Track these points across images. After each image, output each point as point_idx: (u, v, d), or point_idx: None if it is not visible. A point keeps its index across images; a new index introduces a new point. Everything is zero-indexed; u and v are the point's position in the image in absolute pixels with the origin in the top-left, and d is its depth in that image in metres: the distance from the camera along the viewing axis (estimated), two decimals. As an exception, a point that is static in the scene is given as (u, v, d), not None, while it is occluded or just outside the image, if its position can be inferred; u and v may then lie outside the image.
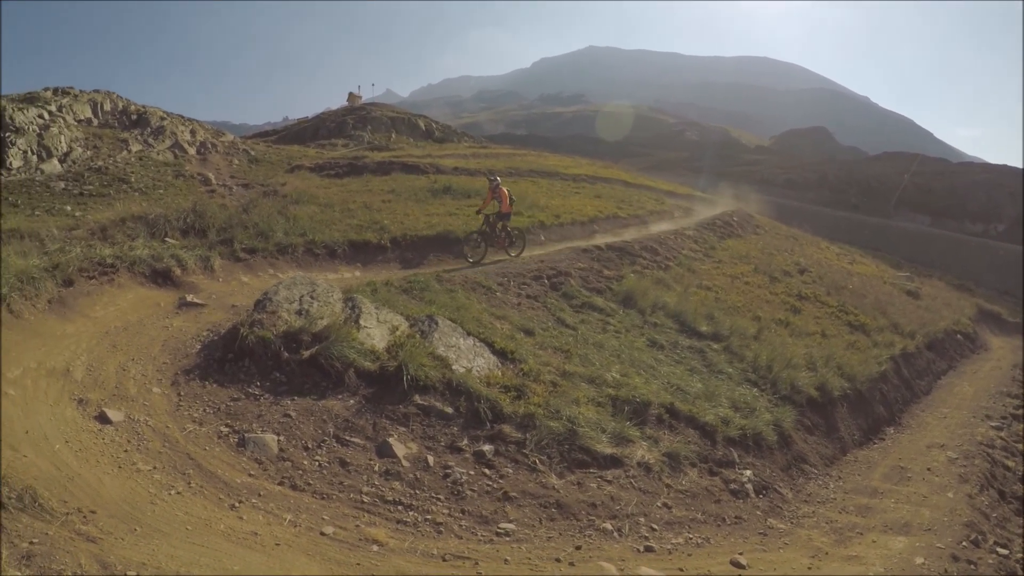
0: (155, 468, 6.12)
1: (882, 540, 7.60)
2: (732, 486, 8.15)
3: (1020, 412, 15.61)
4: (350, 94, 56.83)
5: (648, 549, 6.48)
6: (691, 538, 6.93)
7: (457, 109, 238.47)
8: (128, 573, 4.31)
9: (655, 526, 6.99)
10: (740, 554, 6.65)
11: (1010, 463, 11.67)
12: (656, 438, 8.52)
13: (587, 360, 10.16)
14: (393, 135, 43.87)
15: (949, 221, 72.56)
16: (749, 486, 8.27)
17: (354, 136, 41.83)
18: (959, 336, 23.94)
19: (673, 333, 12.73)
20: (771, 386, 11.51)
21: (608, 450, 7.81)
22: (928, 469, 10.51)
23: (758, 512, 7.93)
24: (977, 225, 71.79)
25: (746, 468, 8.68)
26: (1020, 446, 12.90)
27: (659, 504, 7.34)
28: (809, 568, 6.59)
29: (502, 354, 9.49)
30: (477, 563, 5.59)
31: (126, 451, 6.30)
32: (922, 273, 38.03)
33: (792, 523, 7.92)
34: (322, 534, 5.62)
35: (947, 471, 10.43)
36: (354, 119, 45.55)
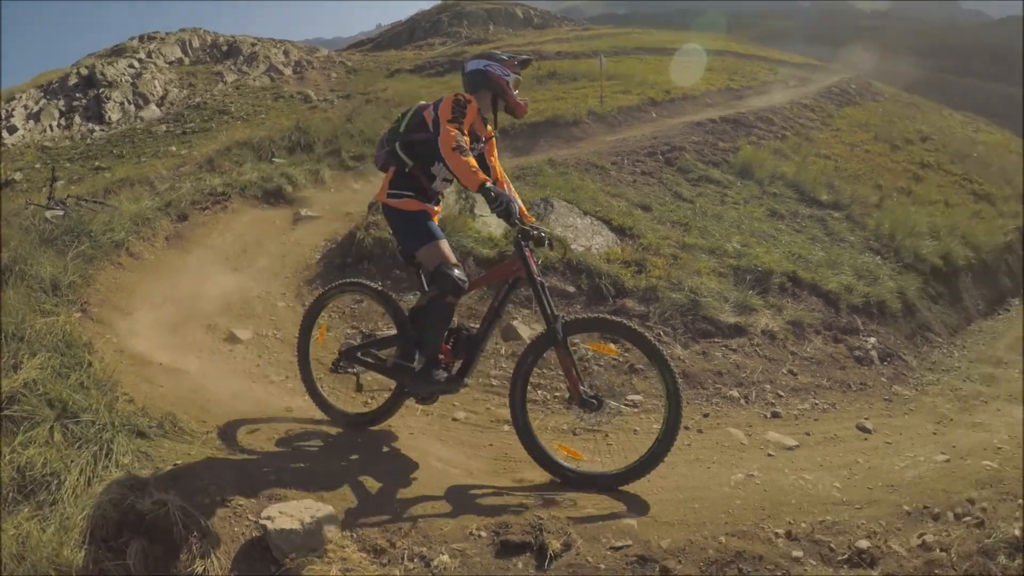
0: (287, 377, 6.35)
1: (1007, 409, 7.38)
2: (856, 353, 8.04)
3: None
4: (442, -10, 55.34)
5: (775, 415, 6.50)
6: (817, 404, 6.93)
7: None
8: (270, 476, 4.48)
9: (781, 392, 6.99)
10: (866, 419, 6.62)
11: None
12: (779, 306, 8.42)
13: (706, 232, 10.04)
14: (491, 27, 42.92)
15: None
16: (874, 353, 8.15)
17: (451, 33, 41.19)
18: (1091, 209, 22.46)
19: (792, 203, 12.37)
20: (894, 255, 11.17)
21: (732, 319, 7.78)
22: (1055, 340, 10.10)
23: (883, 379, 7.84)
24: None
25: (870, 335, 8.53)
26: None
27: (784, 371, 7.33)
28: (934, 433, 6.50)
29: (620, 231, 9.44)
30: (608, 435, 5.57)
31: (258, 365, 6.57)
32: (1052, 142, 35.40)
33: (917, 390, 7.79)
34: (454, 420, 5.78)
35: (1076, 343, 9.99)
36: (449, 16, 44.69)
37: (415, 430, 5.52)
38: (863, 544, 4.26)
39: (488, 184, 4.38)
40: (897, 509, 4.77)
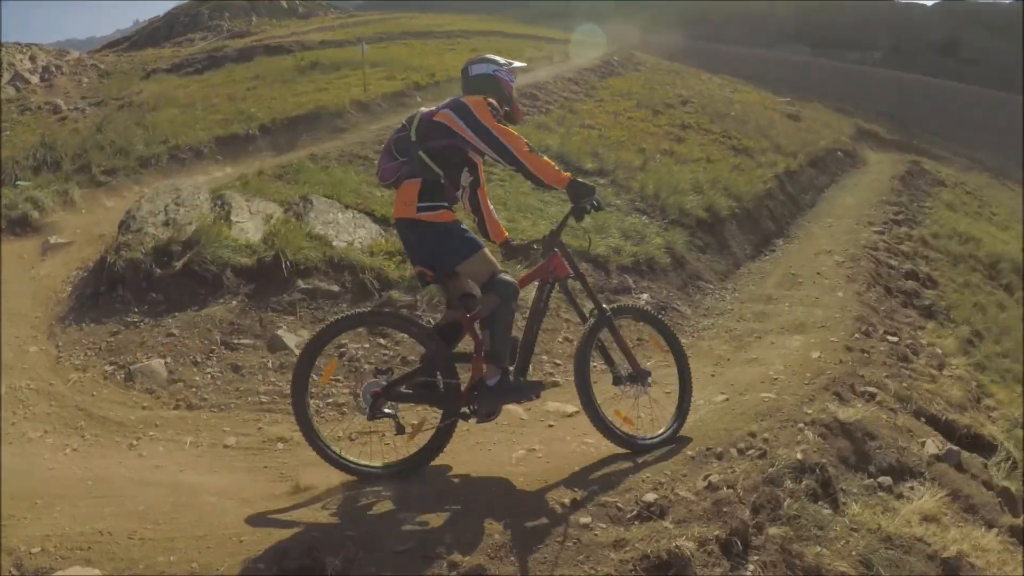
0: (46, 432, 5.80)
1: (780, 341, 7.87)
2: (631, 310, 8.26)
3: (900, 217, 16.58)
4: (202, -18, 53.10)
5: (554, 384, 6.51)
6: (596, 365, 6.97)
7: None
8: (32, 550, 4.02)
9: (558, 361, 7.11)
10: (647, 372, 6.77)
11: (893, 262, 12.31)
12: None
13: (472, 212, 10.02)
14: (254, 18, 41.62)
15: (828, 51, 75.71)
16: (648, 308, 8.35)
17: (212, 27, 39.57)
18: (839, 153, 24.83)
19: (559, 174, 12.62)
20: (660, 212, 11.64)
21: None
22: (818, 273, 10.96)
23: (652, 331, 8.12)
24: (855, 54, 75.17)
25: (643, 292, 8.83)
26: (901, 246, 13.57)
27: (560, 339, 7.45)
28: (713, 375, 6.82)
29: (384, 221, 9.29)
30: (384, 435, 5.46)
31: (13, 424, 5.93)
32: (803, 98, 38.86)
33: (694, 337, 8.16)
34: (225, 447, 5.49)
35: (835, 273, 10.88)
36: (209, 9, 42.88)
37: (184, 466, 5.18)
38: (650, 497, 4.28)
39: (577, 178, 4.56)
40: (681, 456, 4.85)
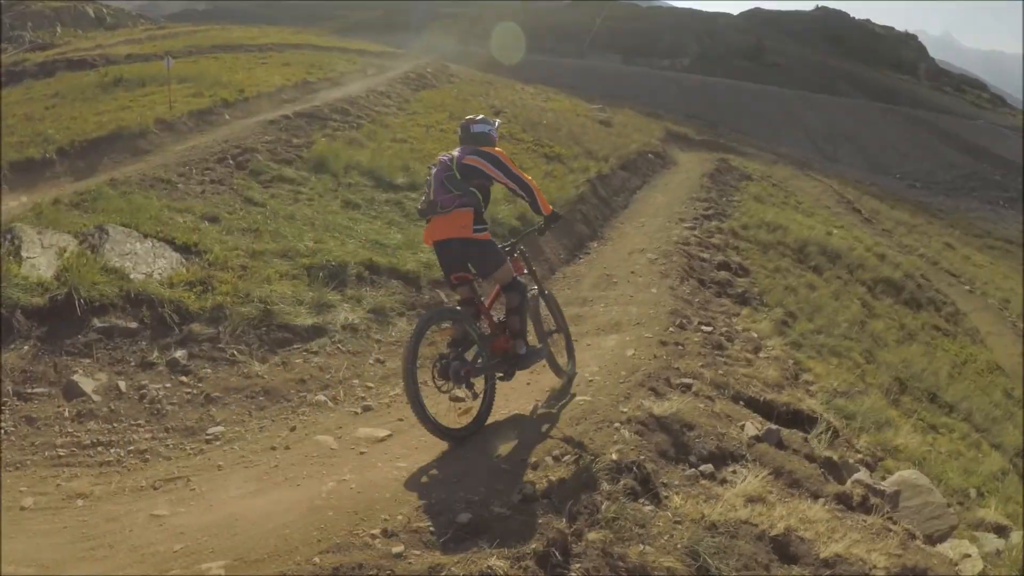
0: None
1: (595, 342, 8.00)
2: (442, 324, 8.22)
3: (710, 212, 17.46)
4: (0, -12, 49.30)
5: (366, 409, 6.47)
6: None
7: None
8: None
9: (370, 384, 6.95)
10: (458, 389, 6.73)
11: (705, 255, 12.87)
12: (358, 297, 8.42)
13: (278, 235, 9.68)
14: (59, 29, 38.92)
15: (639, 59, 79.79)
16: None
17: (13, 38, 36.70)
18: (650, 155, 25.81)
19: (369, 190, 12.42)
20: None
21: (309, 321, 7.66)
22: (632, 272, 11.27)
23: (468, 343, 8.11)
24: (665, 61, 79.67)
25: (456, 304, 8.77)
26: (713, 239, 14.19)
27: (371, 361, 7.33)
28: (528, 384, 6.75)
29: (185, 249, 8.82)
30: (189, 480, 5.24)
31: None
32: (614, 105, 40.30)
33: (507, 346, 8.13)
34: (22, 509, 4.97)
35: (649, 271, 11.23)
36: (10, 17, 39.85)
37: (-22, 537, 4.68)
38: (464, 518, 4.18)
39: (555, 210, 6.32)
40: (495, 469, 4.78)
